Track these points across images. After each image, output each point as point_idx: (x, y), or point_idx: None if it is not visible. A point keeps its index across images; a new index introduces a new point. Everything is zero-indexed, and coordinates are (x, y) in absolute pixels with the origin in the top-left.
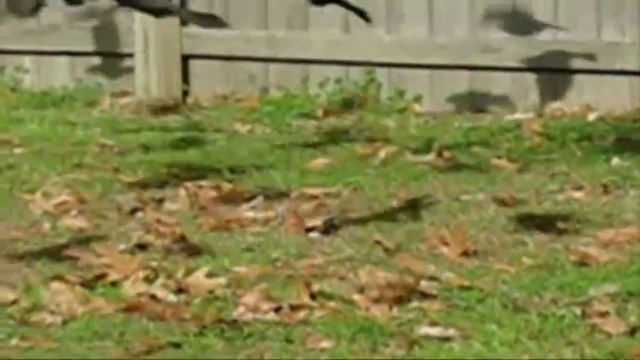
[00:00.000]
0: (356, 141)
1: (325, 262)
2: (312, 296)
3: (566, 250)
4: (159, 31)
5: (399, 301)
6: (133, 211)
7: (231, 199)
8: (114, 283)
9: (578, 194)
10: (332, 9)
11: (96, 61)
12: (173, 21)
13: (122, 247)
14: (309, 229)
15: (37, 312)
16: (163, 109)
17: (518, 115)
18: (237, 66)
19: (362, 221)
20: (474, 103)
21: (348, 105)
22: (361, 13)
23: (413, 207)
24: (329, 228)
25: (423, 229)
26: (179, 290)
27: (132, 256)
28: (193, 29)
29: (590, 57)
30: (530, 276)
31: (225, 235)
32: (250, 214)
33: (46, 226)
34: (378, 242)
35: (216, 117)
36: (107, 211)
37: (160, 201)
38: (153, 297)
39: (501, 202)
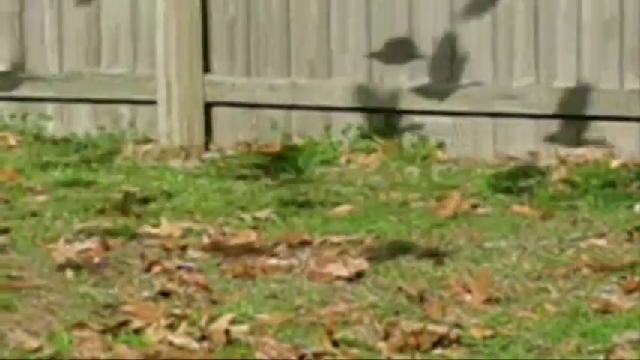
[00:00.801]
0: (378, 188)
1: (348, 309)
2: (335, 343)
3: (589, 297)
4: (181, 78)
5: (423, 348)
6: (156, 258)
7: (254, 247)
8: (137, 330)
9: (600, 241)
10: (354, 57)
11: (118, 108)
12: (196, 68)
13: (145, 294)
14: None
15: (60, 359)
16: (186, 156)
17: (541, 162)
18: (259, 113)
19: (385, 268)
20: (497, 149)
21: (370, 152)
22: None
23: (436, 254)
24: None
25: (446, 276)
26: (202, 337)
27: (155, 303)
28: (216, 77)
29: (613, 103)
30: (554, 323)
31: (248, 282)
32: (273, 261)
33: (69, 273)
34: (401, 289)
35: (239, 164)
36: (130, 258)
37: (183, 248)
38: (175, 344)
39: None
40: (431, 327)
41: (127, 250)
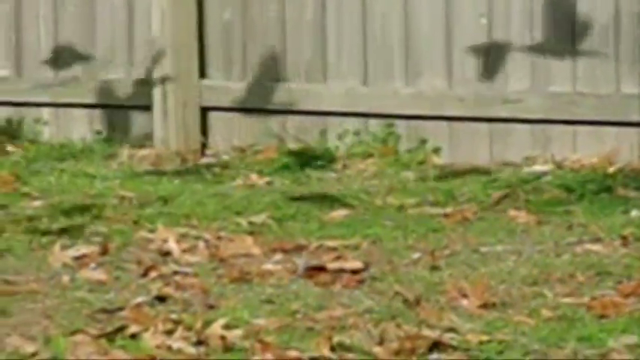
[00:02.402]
0: (375, 193)
1: (345, 314)
2: (332, 348)
3: (586, 302)
4: (177, 83)
5: (419, 353)
6: (152, 263)
7: (251, 251)
8: (133, 336)
9: (596, 246)
10: (350, 62)
11: (114, 113)
12: (192, 73)
13: (141, 299)
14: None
15: None
16: (182, 161)
17: (537, 167)
18: (255, 118)
19: (381, 273)
20: (493, 154)
21: (366, 157)
22: None
23: (432, 259)
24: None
25: (442, 281)
26: (198, 342)
27: (151, 308)
28: (212, 81)
29: (610, 108)
30: (550, 328)
31: (245, 287)
32: (269, 265)
33: (65, 278)
34: (397, 293)
35: (235, 169)
36: (126, 263)
37: (179, 253)
38: (172, 349)
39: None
40: (427, 332)
41: (123, 255)
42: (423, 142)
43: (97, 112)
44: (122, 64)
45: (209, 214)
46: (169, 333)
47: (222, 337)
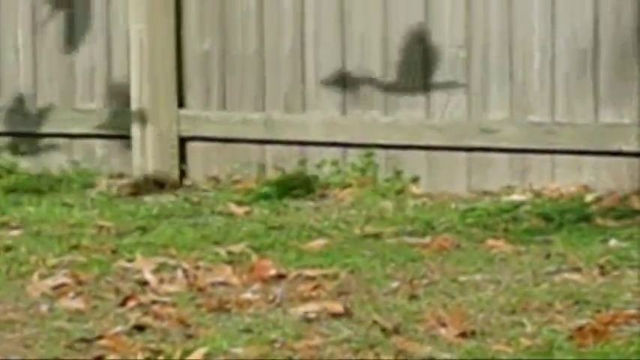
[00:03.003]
0: (353, 222)
1: (323, 343)
2: None
3: (564, 332)
4: (156, 113)
5: None
6: (131, 292)
7: (229, 281)
8: None
9: (575, 276)
10: (328, 92)
11: (93, 143)
12: (170, 103)
13: (120, 328)
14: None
15: None
16: (160, 191)
17: (515, 197)
18: (234, 148)
19: (359, 302)
20: (471, 184)
21: (344, 187)
22: None
23: (411, 288)
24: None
25: (420, 310)
26: None
27: (130, 337)
28: (191, 111)
29: (588, 138)
30: (528, 356)
31: (223, 317)
32: (248, 295)
33: (44, 308)
34: (375, 322)
35: (214, 198)
36: (105, 292)
37: (158, 282)
38: None
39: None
40: None
41: (101, 285)
42: (401, 171)
43: (76, 141)
44: (101, 93)
45: (188, 243)
46: None
47: None
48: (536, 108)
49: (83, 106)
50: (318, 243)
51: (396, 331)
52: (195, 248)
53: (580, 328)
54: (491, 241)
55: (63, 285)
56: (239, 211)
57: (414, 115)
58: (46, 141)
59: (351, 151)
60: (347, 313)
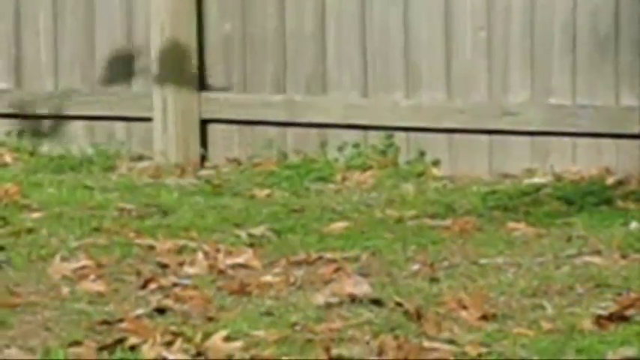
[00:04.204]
0: (374, 205)
1: (344, 326)
2: None
3: (585, 314)
4: (177, 95)
5: None
6: (152, 275)
7: (250, 263)
8: (133, 348)
9: (596, 258)
10: (350, 74)
11: (114, 125)
12: (192, 85)
13: (140, 311)
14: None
15: None
16: (182, 173)
17: (536, 179)
18: (255, 130)
19: (381, 285)
20: (492, 166)
21: (365, 169)
22: None
23: (431, 271)
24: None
25: (441, 293)
26: (197, 354)
27: (151, 320)
28: (212, 94)
29: (609, 121)
30: (549, 340)
31: (244, 299)
32: (269, 277)
33: (65, 290)
34: (398, 304)
35: (235, 181)
36: (126, 275)
37: (179, 265)
38: None
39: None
40: (426, 344)
41: (122, 267)
42: (421, 154)
43: (97, 123)
44: (122, 76)
45: (208, 226)
46: (169, 345)
47: (222, 349)
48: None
49: (104, 88)
50: (339, 225)
51: (417, 313)
52: (215, 231)
53: (601, 311)
54: (512, 224)
55: (84, 267)
56: (260, 193)
57: (436, 98)
58: (67, 123)
59: (372, 133)
60: (368, 296)
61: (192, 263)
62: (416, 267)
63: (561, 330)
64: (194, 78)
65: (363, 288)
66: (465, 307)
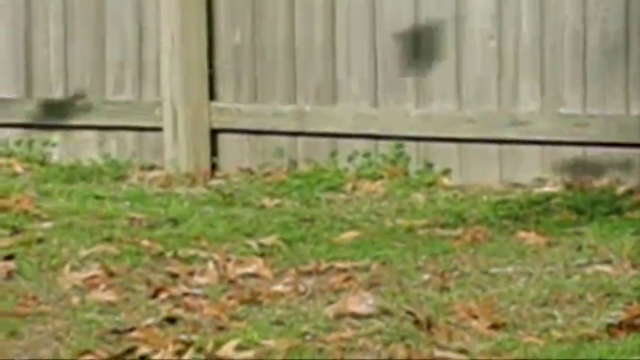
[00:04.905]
0: (384, 214)
1: (354, 335)
2: None
3: (595, 323)
4: (187, 105)
5: None
6: (162, 284)
7: (260, 273)
8: (143, 357)
9: (606, 268)
10: (360, 84)
11: (124, 135)
12: (202, 95)
13: (151, 320)
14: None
15: None
16: (192, 183)
17: (547, 189)
18: (265, 140)
19: (391, 294)
20: (503, 176)
21: (376, 179)
22: None
23: (442, 280)
24: None
25: (452, 302)
26: None
27: (161, 329)
28: (222, 104)
29: (620, 130)
30: (560, 349)
31: (255, 309)
32: (279, 287)
33: (75, 300)
34: (409, 313)
35: (245, 190)
36: (136, 284)
37: (189, 274)
38: None
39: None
40: (437, 353)
41: (133, 277)
42: (432, 164)
43: (107, 133)
44: (132, 85)
45: (219, 235)
46: (179, 354)
47: (233, 359)
48: (567, 100)
49: (114, 98)
50: (350, 235)
51: (428, 323)
52: (226, 240)
53: (611, 321)
54: (522, 233)
55: (94, 277)
56: (270, 203)
57: (446, 107)
58: (78, 133)
59: (383, 142)
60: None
61: (202, 273)
62: (426, 276)
63: (572, 339)
64: (204, 88)
65: (367, 305)
66: (475, 317)
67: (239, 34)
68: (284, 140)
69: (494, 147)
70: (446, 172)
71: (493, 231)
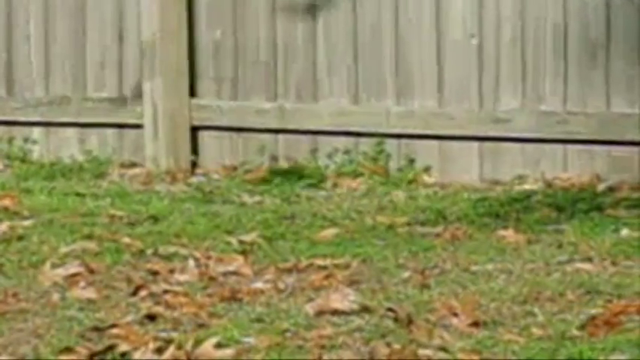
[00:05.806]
0: (365, 212)
1: (335, 332)
2: None
3: (575, 321)
4: (168, 102)
5: None
6: (142, 281)
7: (241, 270)
8: (124, 354)
9: (587, 265)
10: (341, 80)
11: (105, 132)
12: (182, 92)
13: (131, 318)
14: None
15: None
16: (172, 180)
17: (527, 186)
18: (246, 137)
19: (371, 292)
20: (483, 173)
21: (356, 176)
22: None
23: (422, 277)
24: None
25: (432, 300)
26: None
27: (142, 326)
28: (202, 100)
29: (601, 128)
30: (540, 346)
31: (235, 306)
32: (259, 284)
33: (56, 297)
34: (390, 310)
35: (225, 187)
36: (117, 281)
37: (170, 272)
38: None
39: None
40: (417, 350)
41: (113, 274)
42: (413, 160)
43: (88, 130)
44: (112, 82)
45: (199, 232)
46: (160, 352)
47: (213, 356)
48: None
49: (95, 95)
50: (330, 232)
51: (408, 320)
52: (206, 238)
53: (592, 318)
54: (502, 231)
55: (75, 274)
56: (251, 200)
57: (427, 104)
58: (58, 130)
59: (363, 140)
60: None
61: (182, 270)
62: (407, 274)
63: (552, 336)
64: (185, 85)
65: (349, 301)
66: (455, 314)
67: (220, 31)
68: (265, 137)
69: (475, 144)
70: (426, 169)
71: (473, 228)
